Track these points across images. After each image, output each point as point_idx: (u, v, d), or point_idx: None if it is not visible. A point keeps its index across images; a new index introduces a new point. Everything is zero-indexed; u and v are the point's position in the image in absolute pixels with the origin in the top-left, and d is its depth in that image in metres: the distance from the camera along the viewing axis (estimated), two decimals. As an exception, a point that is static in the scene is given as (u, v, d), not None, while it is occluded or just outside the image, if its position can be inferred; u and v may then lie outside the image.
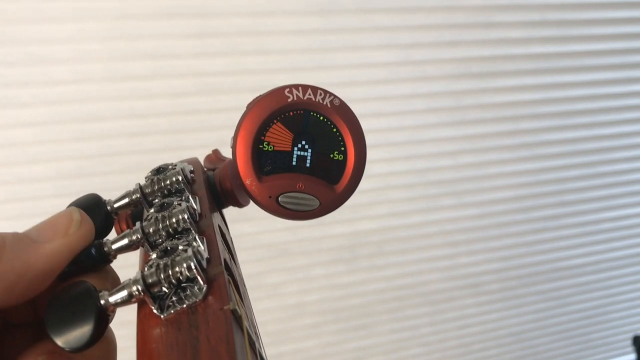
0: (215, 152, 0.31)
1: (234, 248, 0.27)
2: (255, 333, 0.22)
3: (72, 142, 0.77)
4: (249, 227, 0.91)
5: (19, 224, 0.21)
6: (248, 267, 0.95)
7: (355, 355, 1.12)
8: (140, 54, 0.76)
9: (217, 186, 0.27)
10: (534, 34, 0.96)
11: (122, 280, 0.19)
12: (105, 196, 0.24)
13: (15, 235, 0.19)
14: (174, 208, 0.21)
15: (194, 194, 0.23)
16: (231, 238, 0.28)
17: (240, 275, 0.25)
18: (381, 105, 0.91)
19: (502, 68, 0.97)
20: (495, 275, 1.16)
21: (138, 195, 0.23)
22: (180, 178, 0.23)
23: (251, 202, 0.27)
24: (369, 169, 1.04)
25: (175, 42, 0.77)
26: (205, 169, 0.28)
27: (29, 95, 0.73)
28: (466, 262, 1.12)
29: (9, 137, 0.75)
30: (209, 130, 0.82)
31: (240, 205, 0.27)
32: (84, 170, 0.79)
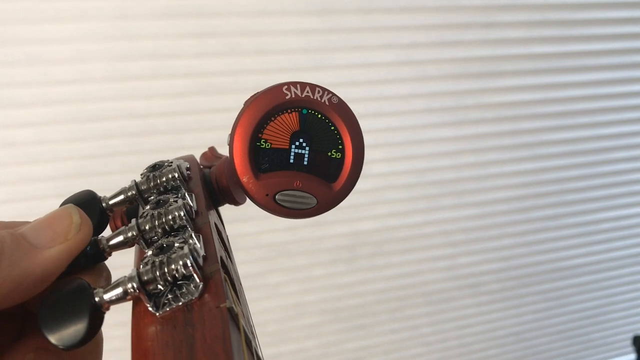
0: (212, 150, 0.31)
1: (230, 246, 0.27)
2: (252, 332, 0.22)
3: (72, 142, 0.77)
4: (249, 227, 0.91)
5: (19, 224, 0.20)
6: (248, 267, 0.95)
7: (355, 355, 1.12)
8: (140, 54, 0.76)
9: (213, 184, 0.26)
10: (534, 34, 0.96)
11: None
12: None
13: (13, 239, 0.18)
14: (170, 205, 0.21)
15: (190, 191, 0.23)
16: (227, 236, 0.27)
17: (236, 273, 0.24)
18: (381, 105, 0.91)
19: (502, 68, 0.97)
20: (495, 275, 1.16)
21: (134, 192, 0.23)
22: (176, 175, 0.23)
23: (247, 200, 0.26)
24: (369, 169, 1.04)
25: (175, 42, 0.77)
26: (201, 167, 0.28)
27: (29, 95, 0.73)
28: (466, 262, 1.12)
29: (9, 137, 0.75)
30: (209, 130, 0.82)
31: (236, 203, 0.27)
32: (84, 170, 0.79)
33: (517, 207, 1.10)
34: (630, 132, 1.11)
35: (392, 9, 0.86)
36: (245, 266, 0.94)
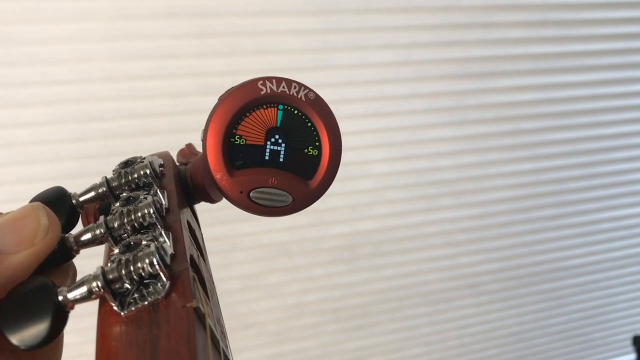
0: (189, 147, 0.31)
1: (204, 245, 0.26)
2: (222, 332, 0.21)
3: (72, 142, 0.77)
4: (249, 227, 0.91)
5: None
6: (248, 267, 0.95)
7: (355, 355, 1.12)
8: (140, 54, 0.76)
9: (188, 181, 0.26)
10: (534, 34, 0.96)
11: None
12: None
13: None
14: (139, 202, 0.20)
15: (162, 188, 0.22)
16: (202, 234, 0.27)
17: (209, 272, 0.24)
18: (381, 105, 0.91)
19: (502, 68, 0.97)
20: (495, 275, 1.16)
21: (104, 189, 0.22)
22: (148, 171, 0.22)
23: (224, 198, 0.26)
24: (368, 168, 1.03)
25: (175, 42, 0.77)
26: (178, 164, 0.27)
27: (29, 95, 0.74)
28: (466, 262, 1.11)
29: (9, 137, 0.75)
30: (208, 130, 0.82)
31: (212, 200, 0.27)
32: (84, 170, 0.79)
33: (517, 207, 1.10)
34: (630, 132, 1.11)
35: (392, 9, 0.86)
36: (245, 266, 0.94)
